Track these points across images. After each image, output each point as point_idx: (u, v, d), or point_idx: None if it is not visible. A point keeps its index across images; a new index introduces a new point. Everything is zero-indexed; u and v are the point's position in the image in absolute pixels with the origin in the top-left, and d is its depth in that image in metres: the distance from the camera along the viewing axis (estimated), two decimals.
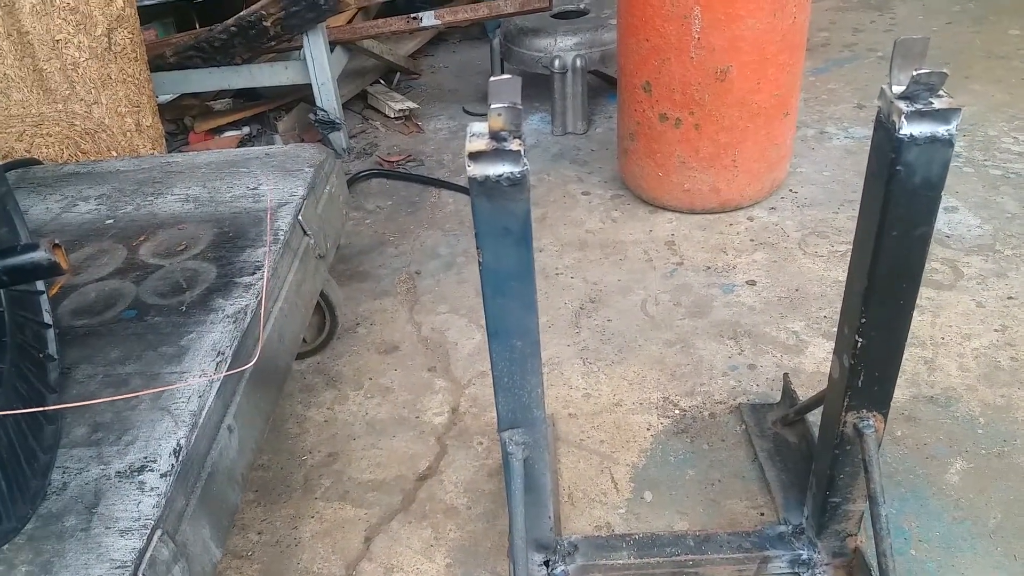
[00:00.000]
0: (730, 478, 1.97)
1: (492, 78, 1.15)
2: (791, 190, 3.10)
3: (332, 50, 3.65)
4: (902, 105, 1.16)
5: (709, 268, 2.72)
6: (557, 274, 2.77)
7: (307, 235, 2.05)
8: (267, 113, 4.00)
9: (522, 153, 1.16)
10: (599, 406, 2.22)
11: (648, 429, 2.13)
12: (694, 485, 1.96)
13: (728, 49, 2.58)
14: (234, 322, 1.68)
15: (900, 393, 2.15)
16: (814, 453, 1.64)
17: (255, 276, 1.80)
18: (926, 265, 2.61)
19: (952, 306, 2.45)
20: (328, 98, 3.53)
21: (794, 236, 2.84)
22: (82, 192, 2.23)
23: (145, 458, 1.39)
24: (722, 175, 2.84)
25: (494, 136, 1.15)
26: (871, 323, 1.33)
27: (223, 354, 1.60)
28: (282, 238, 1.93)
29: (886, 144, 1.20)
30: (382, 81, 4.28)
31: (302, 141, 3.76)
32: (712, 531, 1.76)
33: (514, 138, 1.16)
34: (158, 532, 1.28)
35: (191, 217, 2.07)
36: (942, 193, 1.22)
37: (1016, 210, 2.89)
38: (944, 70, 1.14)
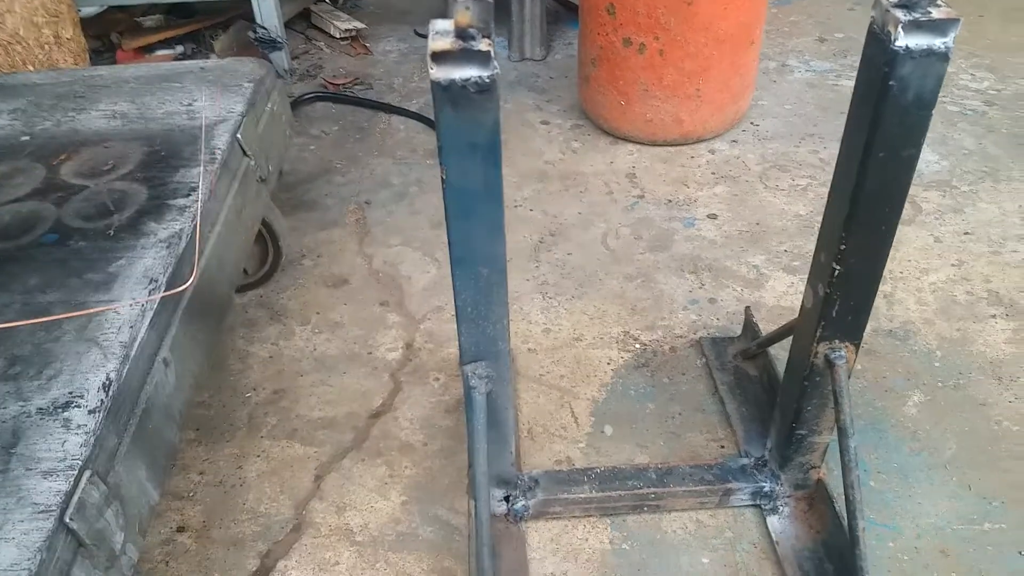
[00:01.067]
0: (690, 411, 1.94)
1: None
2: (753, 123, 3.04)
3: None
4: (899, 14, 1.08)
5: (670, 201, 2.65)
6: (515, 206, 2.67)
7: (247, 156, 1.89)
8: (202, 31, 3.72)
9: (492, 55, 1.04)
10: (559, 341, 2.15)
11: (608, 363, 2.08)
12: (654, 418, 1.92)
13: None
14: (168, 247, 1.54)
15: None
16: (781, 385, 1.61)
17: (190, 198, 1.65)
18: None
19: (911, 241, 2.44)
20: (269, 15, 3.29)
21: (755, 169, 2.78)
22: None
23: (70, 393, 1.26)
24: (685, 105, 2.75)
25: (460, 34, 1.03)
26: (851, 250, 1.28)
27: (156, 281, 1.46)
28: (220, 158, 1.78)
29: (879, 57, 1.12)
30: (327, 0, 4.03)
31: None
32: (674, 464, 1.73)
33: (483, 37, 1.04)
34: (87, 473, 1.16)
35: (118, 135, 1.89)
36: (932, 113, 1.16)
37: (972, 146, 2.88)
38: None
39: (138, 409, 1.34)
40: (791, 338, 1.56)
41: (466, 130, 1.10)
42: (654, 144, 2.88)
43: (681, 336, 2.14)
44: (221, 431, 1.95)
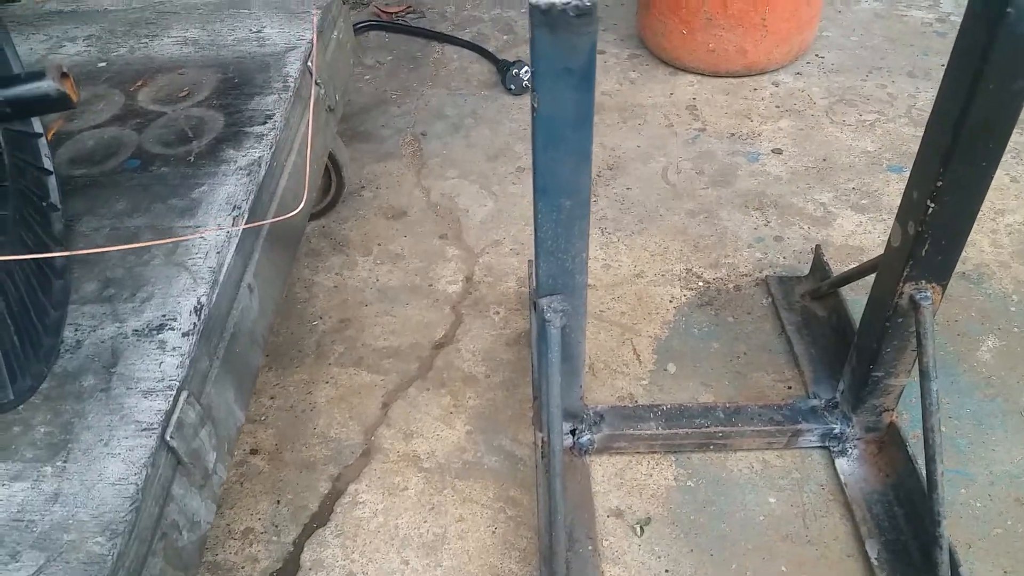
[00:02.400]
0: (756, 351, 1.93)
1: None
2: (818, 55, 2.93)
3: None
4: None
5: (733, 135, 2.59)
6: None
7: (318, 84, 1.88)
8: None
9: None
10: (619, 277, 2.14)
11: (671, 301, 2.07)
12: (719, 358, 1.92)
13: None
14: (248, 174, 1.54)
15: None
16: (860, 325, 1.58)
17: (266, 126, 1.65)
18: None
19: None
20: None
21: (821, 104, 2.70)
22: (68, 32, 2.02)
23: (164, 316, 1.29)
24: (750, 35, 2.66)
25: None
26: (947, 186, 1.24)
27: (239, 208, 1.47)
28: (292, 85, 1.77)
29: None
30: None
31: None
32: (742, 403, 1.73)
33: None
34: (184, 394, 1.20)
35: (191, 62, 1.89)
36: None
37: None
38: None
39: (226, 333, 1.37)
40: (868, 279, 1.54)
41: (562, 56, 1.07)
42: (716, 75, 2.81)
43: (746, 274, 2.12)
44: (291, 357, 2.00)
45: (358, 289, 2.15)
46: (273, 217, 1.57)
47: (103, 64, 1.90)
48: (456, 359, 1.97)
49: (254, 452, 1.81)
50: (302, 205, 1.50)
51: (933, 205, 1.26)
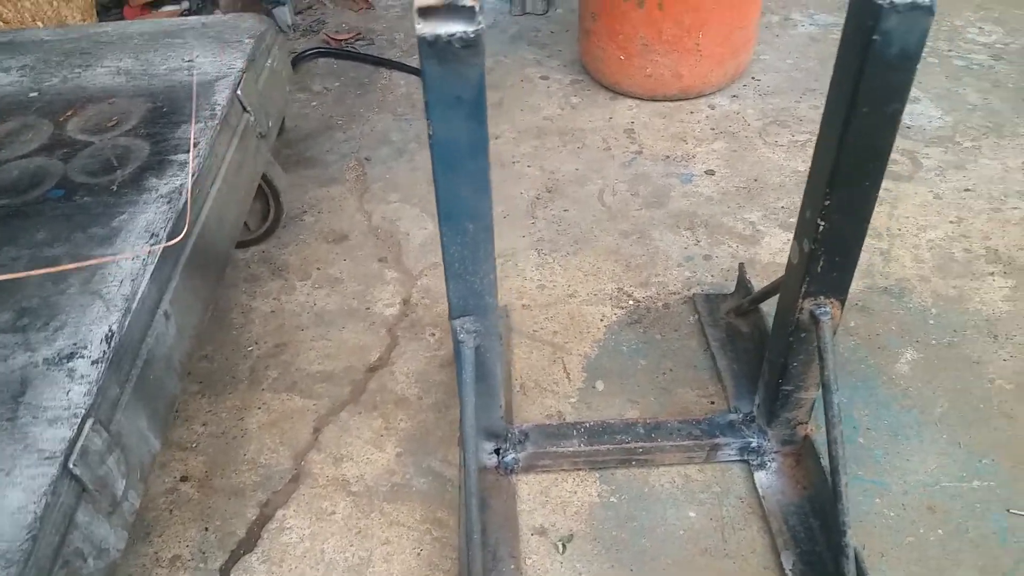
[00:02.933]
0: (682, 367, 1.97)
1: None
2: (754, 78, 3.01)
3: None
4: None
5: (668, 157, 2.65)
6: (513, 162, 2.68)
7: (247, 111, 1.91)
8: None
9: (476, 10, 1.05)
10: (553, 297, 2.18)
11: (602, 320, 2.10)
12: (645, 374, 1.96)
13: None
14: (168, 202, 1.56)
15: (855, 284, 2.13)
16: (768, 341, 1.63)
17: (190, 154, 1.68)
18: None
19: (910, 197, 2.44)
20: None
21: (755, 125, 2.77)
22: (2, 63, 2.03)
23: (75, 344, 1.30)
24: (685, 59, 2.73)
25: None
26: (835, 205, 1.29)
27: (157, 235, 1.49)
28: (219, 114, 1.79)
29: (863, 11, 1.12)
30: None
31: None
32: (662, 419, 1.77)
33: None
34: (89, 421, 1.21)
35: (122, 91, 1.91)
36: (916, 68, 1.16)
37: (977, 101, 2.86)
38: None
39: (139, 360, 1.38)
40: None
41: (452, 85, 1.11)
42: (654, 99, 2.87)
43: (675, 292, 2.17)
44: (224, 384, 2.00)
45: (295, 314, 2.17)
46: (193, 241, 1.59)
47: (34, 94, 1.92)
48: (389, 382, 1.99)
49: (184, 479, 1.81)
50: (181, 236, 1.51)
51: (823, 223, 1.31)
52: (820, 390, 1.52)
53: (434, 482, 1.76)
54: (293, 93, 3.06)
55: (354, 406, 1.93)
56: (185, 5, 3.60)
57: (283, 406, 1.94)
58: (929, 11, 1.10)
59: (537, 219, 2.44)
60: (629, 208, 2.46)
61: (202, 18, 2.16)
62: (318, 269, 2.30)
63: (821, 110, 2.51)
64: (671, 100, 2.86)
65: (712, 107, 2.87)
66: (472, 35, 1.06)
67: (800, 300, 1.42)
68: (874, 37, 1.11)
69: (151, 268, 1.44)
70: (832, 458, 1.45)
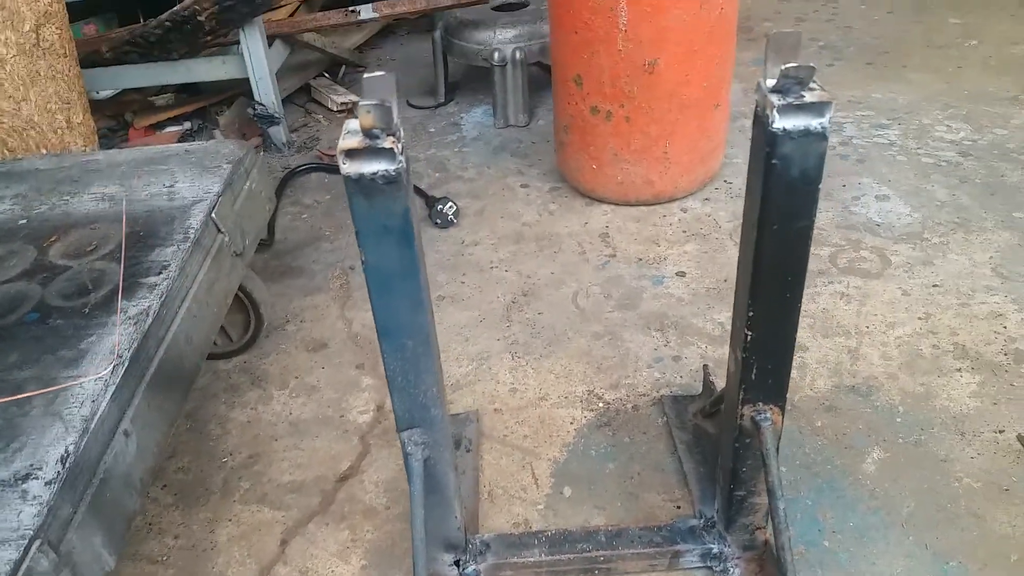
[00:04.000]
0: (649, 471, 1.97)
1: (366, 75, 1.14)
2: (726, 180, 3.12)
3: (271, 44, 3.60)
4: (774, 99, 1.16)
5: (641, 260, 2.72)
6: (491, 267, 2.76)
7: (221, 232, 2.01)
8: (208, 107, 3.94)
9: (397, 151, 1.14)
10: (525, 400, 2.21)
11: (572, 423, 2.13)
12: (613, 479, 1.96)
13: (656, 41, 2.58)
14: (135, 323, 1.64)
15: (823, 383, 2.17)
16: (720, 447, 1.65)
17: (160, 276, 1.77)
18: (855, 254, 2.64)
19: (878, 295, 2.47)
20: (266, 92, 3.48)
21: (726, 227, 2.85)
22: None
23: (31, 465, 1.35)
24: (654, 167, 2.84)
25: (366, 133, 1.14)
26: (759, 317, 1.34)
27: (121, 357, 1.56)
28: (192, 236, 1.89)
29: (762, 137, 1.20)
30: (327, 75, 4.23)
31: (243, 136, 3.71)
32: (624, 526, 1.77)
33: (387, 135, 1.14)
34: (36, 542, 1.25)
35: (105, 216, 2.03)
36: (819, 187, 1.23)
37: (945, 198, 2.92)
38: (812, 64, 1.14)
39: (96, 479, 1.43)
40: None
41: (378, 217, 1.20)
42: (627, 204, 2.97)
43: (644, 394, 2.19)
44: (197, 496, 2.03)
45: (271, 423, 2.22)
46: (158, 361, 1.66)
47: (23, 221, 2.04)
48: (359, 491, 2.00)
49: None
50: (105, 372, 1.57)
51: (750, 333, 1.36)
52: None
53: None
54: (285, 206, 3.21)
55: (322, 517, 1.95)
56: (187, 126, 3.82)
57: (253, 518, 1.96)
58: (822, 136, 1.17)
59: (512, 322, 2.50)
60: (602, 310, 2.52)
61: (186, 145, 2.30)
62: (296, 378, 2.36)
63: None
64: (644, 205, 2.96)
65: (684, 210, 2.96)
66: (393, 173, 1.15)
67: (740, 407, 1.45)
68: (773, 161, 1.19)
69: (112, 388, 1.50)
70: (781, 565, 1.44)
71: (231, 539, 1.91)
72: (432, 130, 3.77)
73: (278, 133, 3.58)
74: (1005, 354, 2.21)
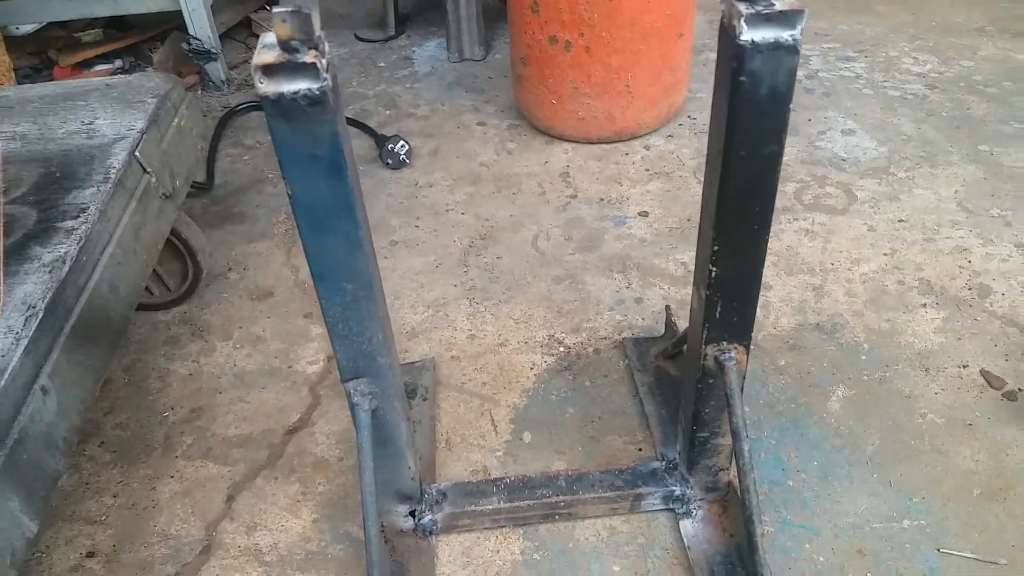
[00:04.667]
0: (610, 415, 1.91)
1: None
2: (689, 116, 3.01)
3: None
4: (741, 7, 1.05)
5: (603, 200, 2.62)
6: (447, 210, 2.64)
7: (147, 172, 1.86)
8: (140, 44, 3.69)
9: (320, 66, 1.01)
10: (483, 347, 2.12)
11: (532, 368, 2.05)
12: (574, 423, 1.89)
13: None
14: (50, 271, 1.50)
15: (786, 321, 2.11)
16: (682, 388, 1.58)
17: (78, 220, 1.62)
18: (820, 190, 2.57)
19: (844, 231, 2.41)
20: (201, 26, 3.26)
21: (690, 164, 2.75)
22: None
23: None
24: (616, 101, 2.72)
25: (284, 46, 1.00)
26: (724, 252, 1.25)
27: (34, 307, 1.43)
28: (114, 176, 1.74)
29: (728, 52, 1.09)
30: (268, 7, 3.98)
31: (178, 73, 3.48)
32: (584, 470, 1.70)
33: (309, 48, 1.01)
34: None
35: (15, 157, 1.85)
36: (790, 107, 1.13)
37: (911, 131, 2.86)
38: None
39: (9, 440, 1.31)
40: None
41: (303, 143, 1.07)
42: (589, 142, 2.86)
43: (605, 338, 2.12)
44: (137, 453, 1.92)
45: (214, 376, 2.10)
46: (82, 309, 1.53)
47: None
48: (309, 443, 1.91)
49: (91, 555, 1.72)
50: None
51: (715, 269, 1.27)
52: None
53: (350, 548, 1.68)
54: (224, 148, 3.03)
55: (270, 471, 1.85)
56: (118, 64, 3.57)
57: (197, 474, 1.86)
58: (793, 50, 1.07)
59: (470, 267, 2.40)
60: (563, 253, 2.42)
61: (106, 79, 2.12)
62: (240, 328, 2.24)
63: None
64: (606, 142, 2.85)
65: (647, 148, 2.85)
66: (317, 92, 1.02)
67: (703, 346, 1.38)
68: (740, 78, 1.08)
69: (24, 342, 1.37)
70: (746, 507, 1.39)
71: (173, 496, 1.81)
72: (382, 65, 3.59)
73: (216, 70, 3.37)
74: (969, 288, 2.17)
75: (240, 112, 3.19)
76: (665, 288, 2.25)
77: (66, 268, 1.51)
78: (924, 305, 2.13)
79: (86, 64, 3.57)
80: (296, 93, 1.01)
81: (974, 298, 2.14)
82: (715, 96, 1.18)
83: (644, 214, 2.54)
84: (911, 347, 2.02)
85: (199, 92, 3.41)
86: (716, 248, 1.25)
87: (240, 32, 3.84)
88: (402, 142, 2.83)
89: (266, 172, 2.90)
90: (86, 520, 1.79)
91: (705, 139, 2.90)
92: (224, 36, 3.57)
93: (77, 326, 1.51)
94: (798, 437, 1.82)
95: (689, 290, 2.22)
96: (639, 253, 2.38)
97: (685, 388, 1.54)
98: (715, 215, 1.22)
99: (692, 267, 2.29)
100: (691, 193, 2.62)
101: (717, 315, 1.33)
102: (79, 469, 1.88)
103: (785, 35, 1.06)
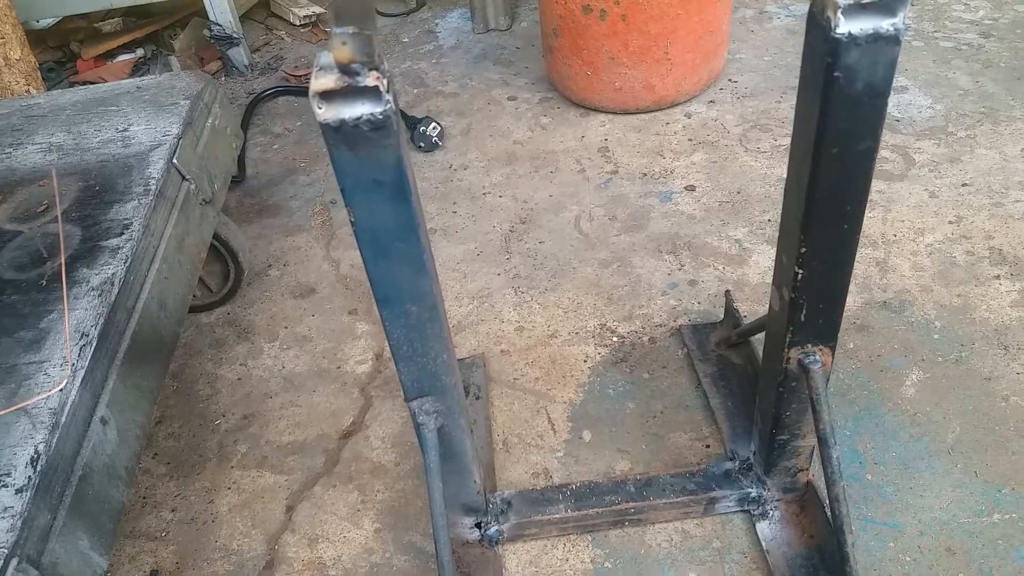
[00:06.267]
0: (673, 408, 1.85)
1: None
2: (730, 80, 2.88)
3: None
4: None
5: (646, 175, 2.52)
6: (484, 194, 2.56)
7: (186, 180, 1.80)
8: (161, 32, 3.60)
9: (383, 89, 0.93)
10: (533, 339, 2.06)
11: (585, 361, 1.98)
12: (635, 419, 1.84)
13: None
14: (100, 295, 1.45)
15: (852, 300, 2.02)
16: (758, 390, 1.51)
17: (122, 238, 1.57)
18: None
19: (904, 199, 2.30)
20: (222, 10, 3.16)
21: (735, 132, 2.64)
22: None
23: None
24: (655, 70, 2.60)
25: (344, 70, 0.92)
26: (812, 252, 1.17)
27: (87, 335, 1.38)
28: (154, 187, 1.68)
29: (821, 46, 0.99)
30: None
31: (200, 60, 3.40)
32: (653, 473, 1.65)
33: (370, 70, 0.93)
34: (14, 561, 1.10)
35: (55, 169, 1.80)
36: (887, 101, 1.04)
37: (969, 86, 2.72)
38: None
39: (74, 477, 1.27)
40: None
41: (367, 170, 1.00)
42: (626, 113, 2.75)
43: (660, 325, 2.04)
44: (192, 463, 1.90)
45: (263, 379, 2.06)
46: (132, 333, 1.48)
47: None
48: (364, 448, 1.87)
49: (155, 573, 1.71)
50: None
51: (801, 271, 1.19)
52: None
53: (416, 559, 1.65)
54: (253, 136, 2.96)
55: (328, 479, 1.82)
56: (140, 53, 3.49)
57: (254, 484, 1.83)
58: (895, 40, 0.97)
59: (512, 254, 2.33)
60: (608, 234, 2.34)
61: (137, 80, 2.05)
62: (285, 328, 2.19)
63: None
64: (644, 112, 2.74)
65: (688, 116, 2.74)
66: (381, 116, 0.94)
67: (786, 349, 1.30)
68: (835, 74, 0.99)
69: (81, 373, 1.33)
70: (836, 517, 1.33)
71: (232, 508, 1.79)
72: (405, 40, 3.48)
73: (239, 55, 3.28)
74: None
75: (267, 98, 3.11)
76: (720, 268, 2.17)
77: (115, 290, 1.47)
78: (997, 277, 2.03)
79: (109, 55, 3.50)
80: (359, 119, 0.94)
81: None
82: (802, 90, 1.09)
83: (691, 188, 2.44)
84: (987, 324, 1.92)
85: (223, 78, 3.33)
86: (804, 250, 1.16)
87: (259, 13, 3.73)
88: (434, 123, 2.74)
89: (297, 161, 2.82)
90: (147, 536, 1.77)
91: (748, 104, 2.79)
92: (243, 18, 3.47)
93: (130, 349, 1.47)
94: (873, 427, 1.74)
95: (745, 270, 2.14)
96: (689, 231, 2.30)
97: (763, 389, 1.47)
98: (803, 215, 1.13)
99: (747, 244, 2.21)
100: (738, 163, 2.51)
101: (802, 318, 1.25)
102: (135, 483, 1.86)
103: (886, 24, 0.96)
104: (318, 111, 0.95)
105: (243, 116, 3.00)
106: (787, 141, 2.55)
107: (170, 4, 3.50)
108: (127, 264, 1.52)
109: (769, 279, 2.10)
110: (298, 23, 3.56)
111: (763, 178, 2.44)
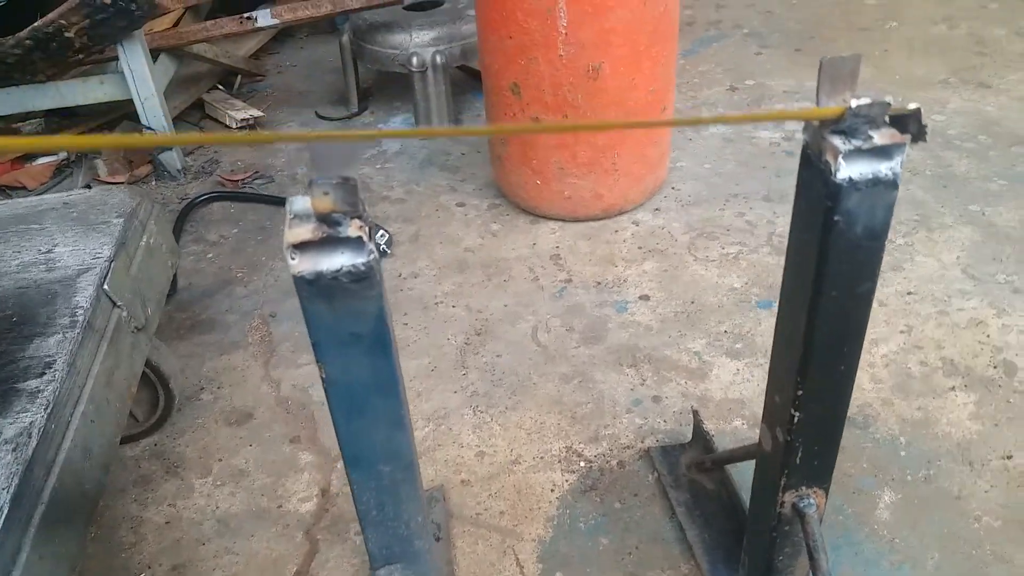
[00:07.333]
0: (648, 543, 1.74)
1: (312, 144, 0.83)
2: (673, 187, 2.92)
3: (156, 58, 3.17)
4: (837, 142, 0.93)
5: (599, 283, 2.49)
6: (436, 303, 2.46)
7: (117, 307, 1.64)
8: (87, 133, 3.45)
9: (365, 238, 0.84)
10: (495, 467, 1.94)
11: (552, 490, 1.87)
12: (609, 557, 1.72)
13: (599, 44, 2.33)
14: (14, 449, 1.28)
15: None
16: (747, 532, 1.43)
17: (43, 379, 1.40)
18: None
19: None
20: (154, 114, 3.04)
21: (682, 240, 2.65)
22: None
23: None
24: (603, 180, 2.61)
25: (323, 219, 0.83)
26: (810, 394, 1.11)
27: None
28: (82, 318, 1.53)
29: (820, 190, 0.96)
30: (221, 87, 3.80)
31: (129, 163, 3.26)
32: None
33: (352, 219, 0.84)
34: None
35: None
36: (885, 242, 1.01)
37: (900, 192, 2.80)
38: (887, 98, 0.92)
39: None
40: (751, 472, 1.39)
41: (345, 323, 0.90)
42: (576, 220, 2.73)
43: (628, 447, 1.96)
44: None
45: (194, 522, 1.86)
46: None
47: None
48: None
49: None
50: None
51: (798, 413, 1.13)
52: None
53: None
54: (186, 244, 2.81)
55: None
56: (63, 155, 3.32)
57: None
58: (892, 184, 0.95)
59: (469, 369, 2.22)
60: (567, 346, 2.27)
61: (63, 196, 1.90)
62: (219, 460, 2.01)
63: (746, 217, 2.35)
64: (594, 220, 2.73)
65: (636, 223, 2.74)
66: (363, 268, 0.85)
67: (780, 493, 1.23)
68: (835, 218, 0.96)
69: None
70: None
71: None
72: None
73: (171, 159, 3.15)
74: (994, 367, 2.09)
75: (200, 204, 2.98)
76: (682, 383, 2.11)
77: (33, 443, 1.29)
78: (953, 388, 2.04)
79: (29, 156, 3.31)
80: (338, 271, 0.85)
81: (1002, 377, 2.06)
82: (796, 232, 1.05)
83: (645, 297, 2.41)
84: (949, 438, 1.91)
85: (153, 182, 3.19)
86: (800, 392, 1.11)
87: (193, 115, 3.63)
88: (382, 231, 2.65)
89: (234, 271, 2.68)
90: None
91: (693, 211, 2.82)
92: (176, 120, 3.36)
93: (47, 512, 1.28)
94: (853, 555, 1.68)
95: (707, 384, 2.09)
96: (647, 343, 2.25)
97: (753, 534, 1.39)
98: (799, 357, 1.08)
99: (706, 356, 2.17)
100: (689, 272, 2.50)
101: (798, 460, 1.19)
102: None
103: (884, 169, 0.94)
104: (292, 262, 0.85)
105: (176, 222, 2.86)
106: (734, 249, 2.58)
107: (98, 106, 3.36)
108: (48, 410, 1.35)
109: (731, 394, 2.06)
110: (235, 126, 3.47)
111: (715, 287, 2.43)
